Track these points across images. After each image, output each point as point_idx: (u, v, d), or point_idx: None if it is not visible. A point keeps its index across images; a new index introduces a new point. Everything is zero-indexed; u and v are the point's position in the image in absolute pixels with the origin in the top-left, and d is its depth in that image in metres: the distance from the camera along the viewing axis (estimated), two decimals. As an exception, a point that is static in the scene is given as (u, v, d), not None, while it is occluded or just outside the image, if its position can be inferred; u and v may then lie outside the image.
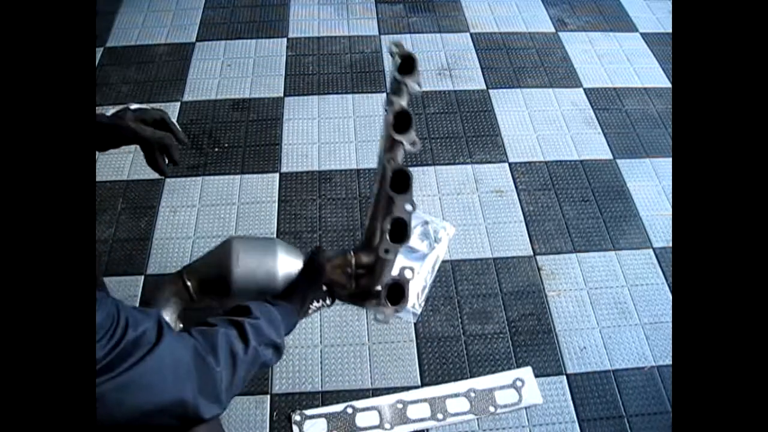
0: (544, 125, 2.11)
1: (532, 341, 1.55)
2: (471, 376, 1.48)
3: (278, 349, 0.87)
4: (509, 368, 1.50)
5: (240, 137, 2.02)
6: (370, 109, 2.13)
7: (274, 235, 1.75)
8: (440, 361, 1.51)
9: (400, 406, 1.42)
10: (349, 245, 1.73)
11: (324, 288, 1.01)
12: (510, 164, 1.97)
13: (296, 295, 0.95)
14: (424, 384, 1.46)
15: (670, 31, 2.55)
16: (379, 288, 0.99)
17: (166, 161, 1.02)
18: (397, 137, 0.85)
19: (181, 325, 0.92)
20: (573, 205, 1.86)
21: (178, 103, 2.14)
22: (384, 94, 2.19)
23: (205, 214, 1.81)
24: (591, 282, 1.68)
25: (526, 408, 1.43)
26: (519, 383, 1.46)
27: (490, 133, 2.07)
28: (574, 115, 2.15)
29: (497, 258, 1.72)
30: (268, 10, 2.57)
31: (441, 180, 1.91)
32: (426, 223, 1.74)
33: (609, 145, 2.05)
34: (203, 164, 1.94)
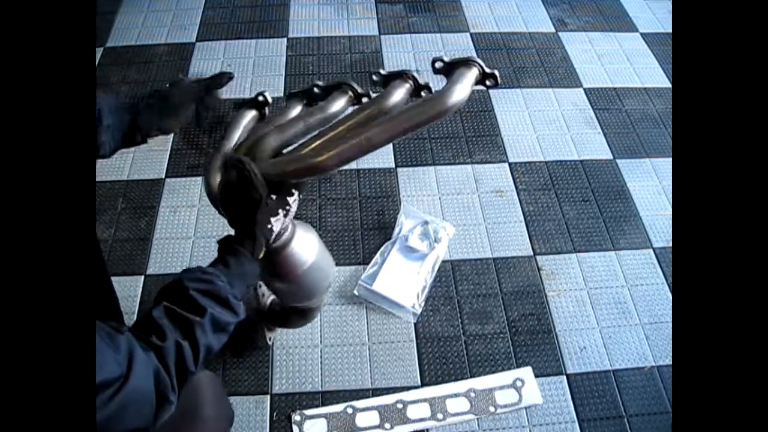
0: (544, 125, 2.11)
1: (532, 341, 1.55)
2: (471, 376, 1.48)
3: (236, 315, 0.82)
4: (509, 368, 1.50)
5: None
6: (370, 109, 2.13)
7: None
8: (440, 361, 1.51)
9: (400, 406, 1.42)
10: (349, 245, 1.73)
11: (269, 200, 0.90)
12: (510, 164, 1.97)
13: (248, 229, 0.87)
14: (424, 384, 1.46)
15: (670, 31, 2.55)
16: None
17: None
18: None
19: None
20: (573, 205, 1.86)
21: (178, 103, 2.14)
22: (384, 94, 2.19)
23: (205, 214, 1.81)
24: (591, 282, 1.68)
25: (526, 408, 1.43)
26: (519, 383, 1.46)
27: (490, 133, 2.07)
28: (574, 115, 2.15)
29: (497, 258, 1.72)
30: (268, 10, 2.57)
31: (441, 180, 1.91)
32: (426, 223, 1.74)
33: (609, 145, 2.05)
34: (203, 164, 1.94)
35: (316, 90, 1.05)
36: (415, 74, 1.00)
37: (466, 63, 0.97)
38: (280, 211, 0.92)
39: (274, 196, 0.91)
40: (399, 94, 0.99)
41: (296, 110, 1.07)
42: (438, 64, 0.98)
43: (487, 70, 0.96)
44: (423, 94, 1.02)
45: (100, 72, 2.26)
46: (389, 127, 0.90)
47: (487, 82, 0.98)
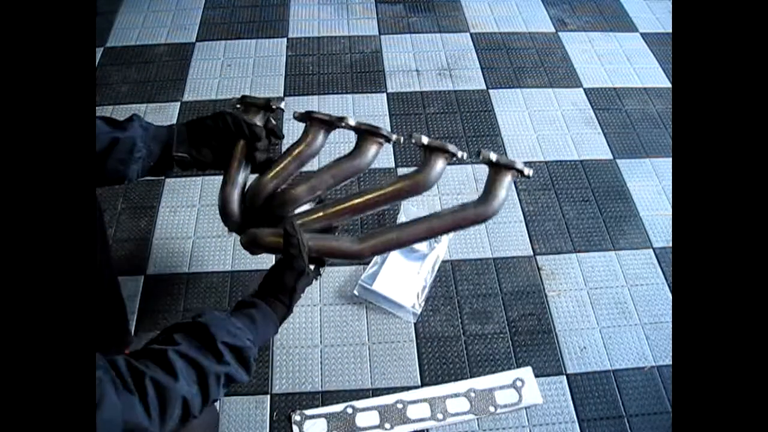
0: (544, 125, 2.11)
1: (532, 341, 1.55)
2: (471, 376, 1.48)
3: (249, 377, 0.81)
4: (509, 368, 1.50)
5: (240, 137, 2.02)
6: (370, 109, 2.13)
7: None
8: (440, 361, 1.51)
9: (400, 406, 1.42)
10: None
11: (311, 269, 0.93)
12: (510, 164, 1.97)
13: (285, 295, 0.87)
14: (424, 384, 1.46)
15: (670, 31, 2.55)
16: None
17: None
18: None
19: None
20: (573, 205, 1.86)
21: (178, 103, 2.14)
22: (384, 94, 2.19)
23: (205, 214, 1.81)
24: (591, 282, 1.68)
25: (526, 408, 1.43)
26: (519, 383, 1.46)
27: (490, 133, 2.07)
28: (574, 115, 2.15)
29: (497, 258, 1.72)
30: (268, 10, 2.57)
31: (441, 180, 1.90)
32: (426, 223, 1.74)
33: (609, 145, 2.05)
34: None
35: (343, 125, 1.02)
36: (456, 151, 0.98)
37: (507, 168, 0.98)
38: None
39: (312, 266, 0.92)
40: (438, 171, 0.99)
41: (319, 139, 1.04)
42: (483, 157, 0.98)
43: (525, 171, 0.98)
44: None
45: (100, 72, 2.26)
46: (433, 227, 0.96)
47: (517, 176, 1.00)
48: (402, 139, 1.03)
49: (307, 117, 1.05)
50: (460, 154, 1.00)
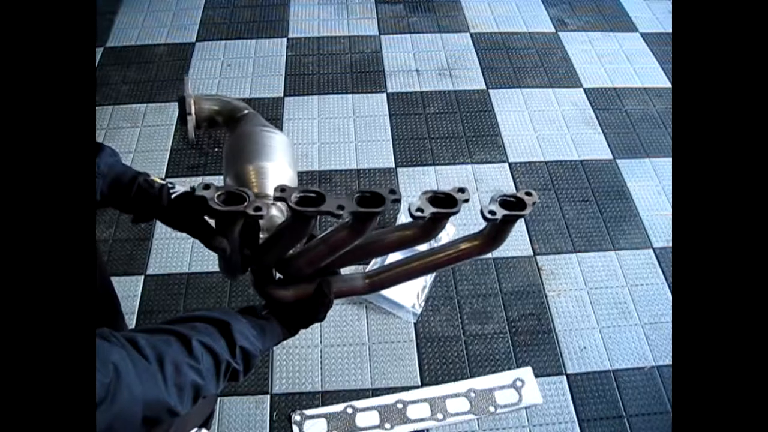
0: (544, 125, 2.11)
1: (532, 341, 1.55)
2: (471, 376, 1.48)
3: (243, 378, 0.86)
4: (509, 368, 1.50)
5: (240, 137, 2.02)
6: (370, 109, 2.13)
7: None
8: (440, 361, 1.51)
9: (400, 406, 1.42)
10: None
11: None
12: (510, 164, 1.97)
13: (293, 330, 0.93)
14: (424, 384, 1.46)
15: (670, 31, 2.55)
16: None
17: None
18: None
19: None
20: (573, 205, 1.86)
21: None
22: (384, 94, 2.19)
23: (205, 214, 1.81)
24: (591, 282, 1.68)
25: (526, 408, 1.43)
26: (519, 383, 1.46)
27: (490, 133, 2.07)
28: (574, 115, 2.15)
29: (497, 258, 1.72)
30: (268, 10, 2.57)
31: (441, 180, 1.91)
32: (426, 223, 1.74)
33: (609, 145, 2.05)
34: (203, 164, 1.94)
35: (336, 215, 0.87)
36: (459, 206, 0.88)
37: (517, 218, 0.88)
38: None
39: None
40: (441, 227, 0.93)
41: (307, 229, 0.91)
42: (489, 216, 0.89)
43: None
44: None
45: (100, 72, 2.26)
46: (437, 262, 0.99)
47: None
48: (391, 191, 0.86)
49: (291, 211, 0.86)
50: (462, 204, 0.89)
